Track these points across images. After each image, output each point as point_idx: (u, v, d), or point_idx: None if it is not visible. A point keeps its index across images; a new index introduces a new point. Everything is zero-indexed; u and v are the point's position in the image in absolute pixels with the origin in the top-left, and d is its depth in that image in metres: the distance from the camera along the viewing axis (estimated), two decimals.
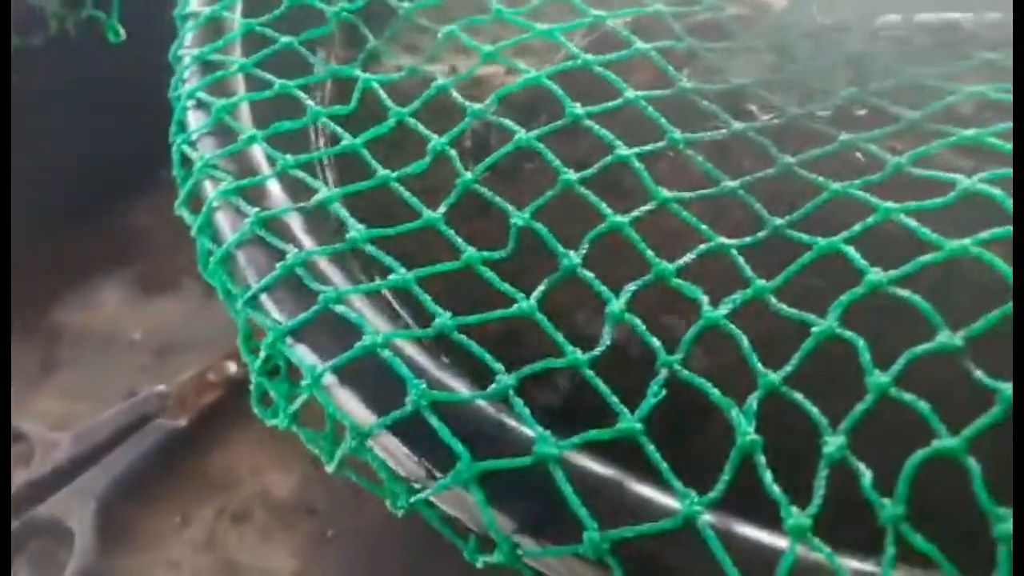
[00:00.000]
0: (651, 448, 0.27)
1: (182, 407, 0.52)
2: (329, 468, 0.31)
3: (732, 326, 0.29)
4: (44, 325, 0.59)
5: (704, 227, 0.32)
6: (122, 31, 0.52)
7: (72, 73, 0.58)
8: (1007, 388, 0.25)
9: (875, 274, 0.29)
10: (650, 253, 0.31)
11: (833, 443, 0.26)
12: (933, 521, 0.25)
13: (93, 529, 0.48)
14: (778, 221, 0.32)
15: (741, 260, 0.31)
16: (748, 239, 0.32)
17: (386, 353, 0.29)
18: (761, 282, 0.30)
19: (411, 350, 0.31)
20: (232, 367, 0.54)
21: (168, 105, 0.42)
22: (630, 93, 0.36)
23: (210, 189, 0.37)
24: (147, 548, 0.48)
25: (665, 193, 0.33)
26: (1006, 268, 0.27)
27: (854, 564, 0.26)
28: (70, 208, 0.61)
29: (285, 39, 0.41)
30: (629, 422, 0.27)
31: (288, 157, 0.37)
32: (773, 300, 0.30)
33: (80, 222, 0.62)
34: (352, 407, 0.30)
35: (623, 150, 0.34)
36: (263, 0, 0.44)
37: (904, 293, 0.28)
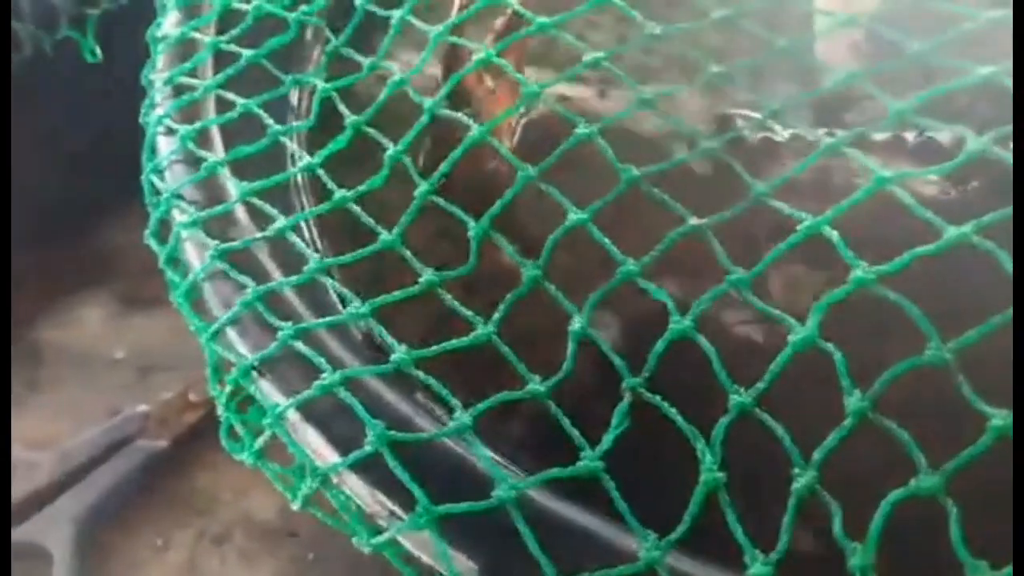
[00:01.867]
0: (612, 487, 0.27)
1: (163, 428, 0.52)
2: (295, 505, 0.31)
3: (700, 336, 0.28)
4: (26, 345, 0.59)
5: (679, 206, 0.30)
6: (99, 51, 0.52)
7: (53, 93, 0.58)
8: (998, 416, 0.24)
9: (863, 270, 0.26)
10: (615, 251, 0.30)
11: (803, 479, 0.26)
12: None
13: (72, 552, 0.48)
14: (760, 187, 0.30)
15: (716, 243, 0.29)
16: (724, 213, 0.30)
17: (343, 393, 0.29)
18: (738, 272, 0.28)
19: (377, 384, 0.31)
20: None
21: None
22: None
23: (178, 218, 0.37)
24: (126, 572, 0.48)
25: (634, 171, 0.31)
26: (1006, 258, 0.25)
27: None
28: (52, 227, 0.61)
29: (248, 54, 0.41)
30: (590, 459, 0.27)
31: (245, 184, 0.36)
32: (749, 294, 0.28)
33: (62, 241, 0.62)
34: (316, 445, 0.30)
35: (583, 128, 0.33)
36: (236, 17, 0.44)
37: (893, 295, 0.26)
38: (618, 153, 0.33)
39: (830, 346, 0.26)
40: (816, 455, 0.25)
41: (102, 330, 0.59)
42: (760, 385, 0.27)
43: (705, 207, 0.33)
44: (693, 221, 0.30)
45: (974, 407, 0.25)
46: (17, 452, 0.52)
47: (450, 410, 0.29)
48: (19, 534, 0.48)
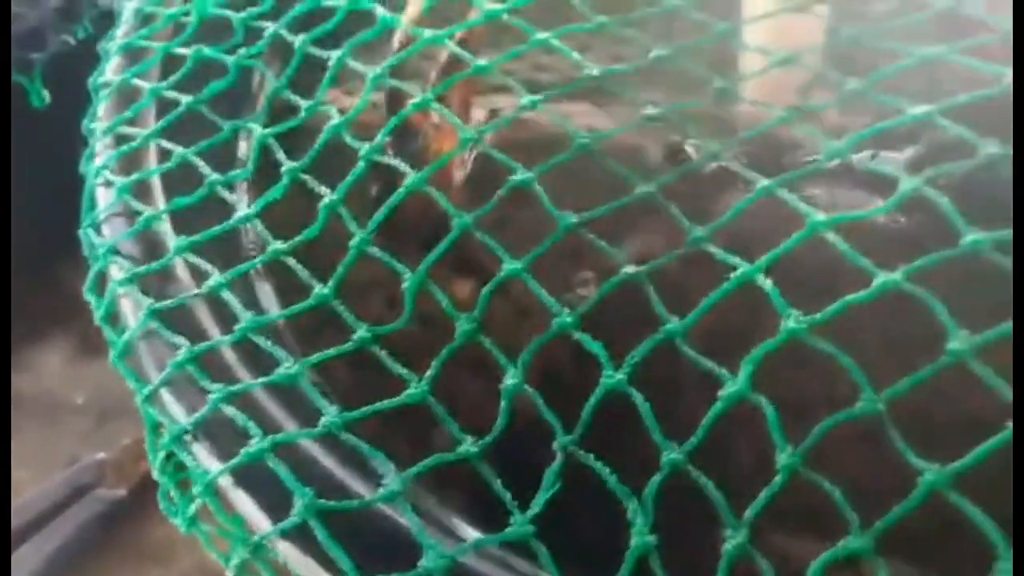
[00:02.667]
0: (543, 551, 0.26)
1: (120, 476, 0.51)
2: (229, 574, 0.30)
3: (635, 391, 0.27)
4: None
5: (614, 251, 0.30)
6: (47, 95, 0.52)
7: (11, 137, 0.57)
8: (930, 471, 0.24)
9: (795, 320, 0.26)
10: (552, 301, 0.30)
11: (734, 540, 0.25)
12: None
13: None
14: (698, 231, 0.30)
15: (652, 291, 0.29)
16: (660, 259, 0.30)
17: (271, 460, 0.28)
18: (673, 321, 0.28)
19: (311, 447, 0.31)
20: None
21: None
22: None
23: (115, 275, 0.36)
24: None
25: (572, 218, 0.31)
26: (937, 304, 0.25)
27: None
28: (10, 271, 0.60)
29: (188, 100, 0.40)
30: (520, 524, 0.26)
31: (182, 239, 0.36)
32: (683, 345, 0.28)
33: (21, 285, 0.61)
34: (249, 512, 0.30)
35: (521, 174, 0.32)
36: (180, 63, 0.43)
37: (825, 346, 0.25)
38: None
39: (761, 399, 0.26)
40: (748, 514, 0.25)
41: (62, 375, 0.59)
42: (692, 441, 0.26)
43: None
44: (629, 270, 0.30)
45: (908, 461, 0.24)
46: None
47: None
48: None
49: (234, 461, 0.29)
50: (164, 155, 0.41)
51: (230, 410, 0.30)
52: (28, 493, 0.52)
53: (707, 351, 0.28)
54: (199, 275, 0.36)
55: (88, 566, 0.50)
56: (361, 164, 0.35)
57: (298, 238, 0.34)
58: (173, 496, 0.32)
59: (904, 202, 0.29)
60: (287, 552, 0.28)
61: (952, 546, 0.26)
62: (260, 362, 0.33)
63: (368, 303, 0.36)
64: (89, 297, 0.37)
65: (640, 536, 0.26)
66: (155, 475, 0.32)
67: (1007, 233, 0.26)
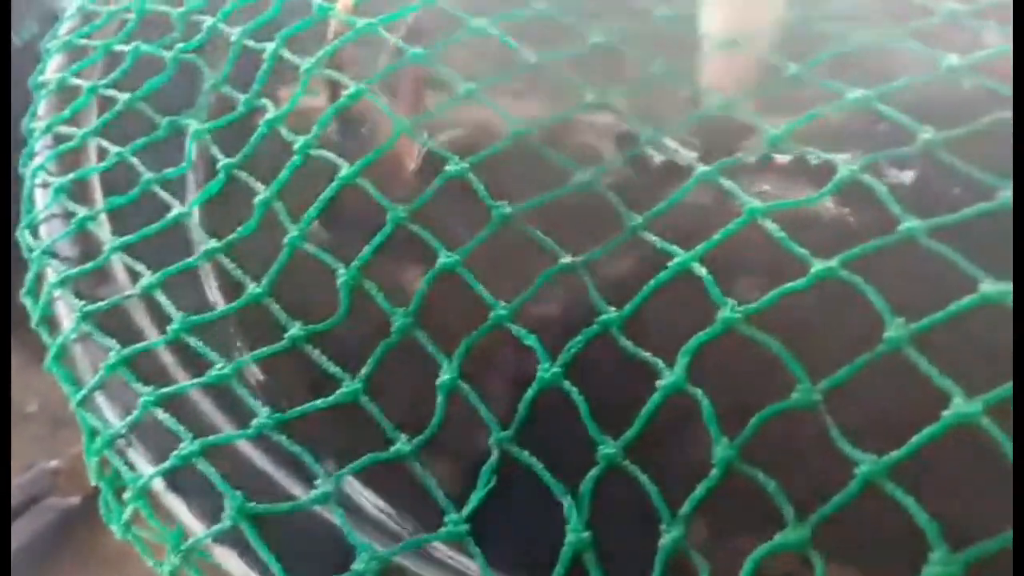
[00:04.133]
0: (477, 552, 0.26)
1: (74, 483, 0.51)
2: None
3: (570, 384, 0.27)
4: None
5: (552, 243, 0.30)
6: None
7: None
8: (867, 462, 0.23)
9: (730, 309, 0.26)
10: (487, 294, 0.29)
11: (670, 535, 0.25)
12: None
13: None
14: (636, 220, 0.29)
15: (590, 283, 0.28)
16: (598, 249, 0.29)
17: (201, 464, 0.28)
18: (610, 312, 0.27)
19: (247, 448, 0.30)
20: None
21: None
22: None
23: (50, 277, 0.36)
24: None
25: (507, 208, 0.31)
26: (873, 293, 0.25)
27: None
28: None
29: (126, 97, 0.39)
30: (454, 523, 0.26)
31: (115, 239, 0.35)
32: (620, 336, 0.27)
33: None
34: (182, 515, 0.29)
35: (454, 165, 0.32)
36: (121, 60, 0.42)
37: (760, 335, 0.25)
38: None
39: (698, 391, 0.26)
40: (684, 509, 0.25)
41: (14, 383, 0.58)
42: (628, 435, 0.26)
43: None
44: (566, 260, 0.30)
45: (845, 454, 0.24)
46: None
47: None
48: None
49: (164, 465, 0.28)
50: (104, 154, 0.40)
51: (159, 413, 0.29)
52: None
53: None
54: (136, 276, 0.35)
55: (43, 574, 0.49)
56: (296, 158, 0.34)
57: (232, 236, 0.34)
58: (111, 503, 0.31)
59: (844, 192, 0.29)
60: (223, 557, 0.28)
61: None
62: (199, 363, 0.33)
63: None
64: (26, 300, 0.36)
65: (575, 533, 0.25)
66: (92, 481, 0.32)
67: (942, 220, 0.26)
